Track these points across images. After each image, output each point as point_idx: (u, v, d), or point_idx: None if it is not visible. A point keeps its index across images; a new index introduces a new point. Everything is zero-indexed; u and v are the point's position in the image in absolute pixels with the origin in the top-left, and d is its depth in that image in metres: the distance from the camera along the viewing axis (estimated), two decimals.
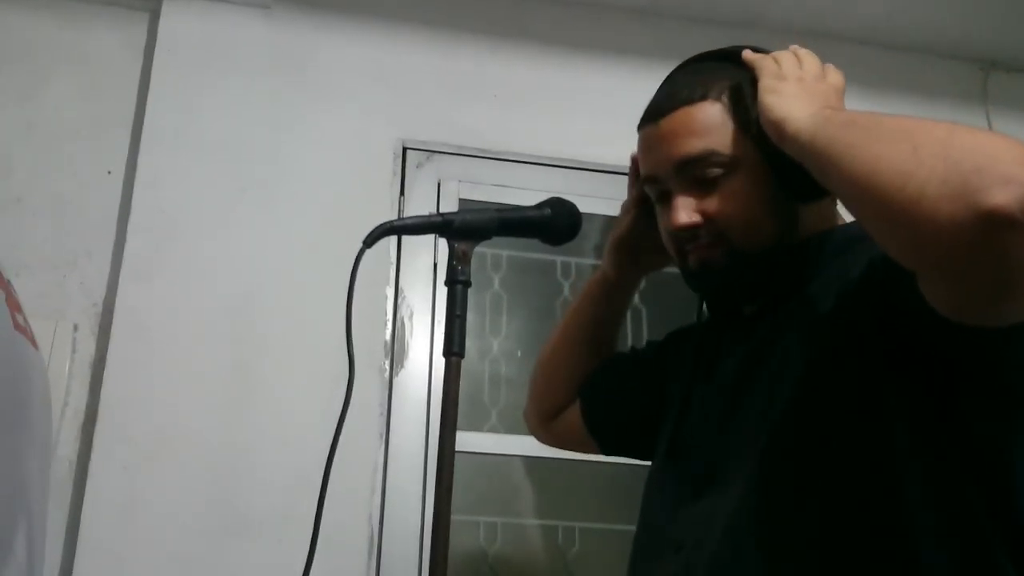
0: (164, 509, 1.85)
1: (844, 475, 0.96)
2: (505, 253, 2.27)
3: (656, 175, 1.15)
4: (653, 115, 1.15)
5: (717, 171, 1.09)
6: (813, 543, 0.97)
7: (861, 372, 0.98)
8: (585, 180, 2.24)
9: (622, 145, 2.22)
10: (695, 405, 1.19)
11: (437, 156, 2.23)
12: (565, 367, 1.43)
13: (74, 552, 1.80)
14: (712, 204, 1.10)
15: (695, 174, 1.10)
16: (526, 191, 2.13)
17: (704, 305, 1.26)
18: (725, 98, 1.11)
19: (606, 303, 1.41)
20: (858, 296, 0.99)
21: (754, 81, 1.10)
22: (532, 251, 2.28)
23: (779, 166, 1.07)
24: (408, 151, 2.23)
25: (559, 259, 2.30)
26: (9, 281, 1.48)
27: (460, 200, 2.19)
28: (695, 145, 1.10)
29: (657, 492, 1.19)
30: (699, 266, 1.13)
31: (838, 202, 1.17)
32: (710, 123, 1.10)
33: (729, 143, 1.09)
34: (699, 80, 1.14)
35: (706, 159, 1.09)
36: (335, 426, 1.01)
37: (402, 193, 2.19)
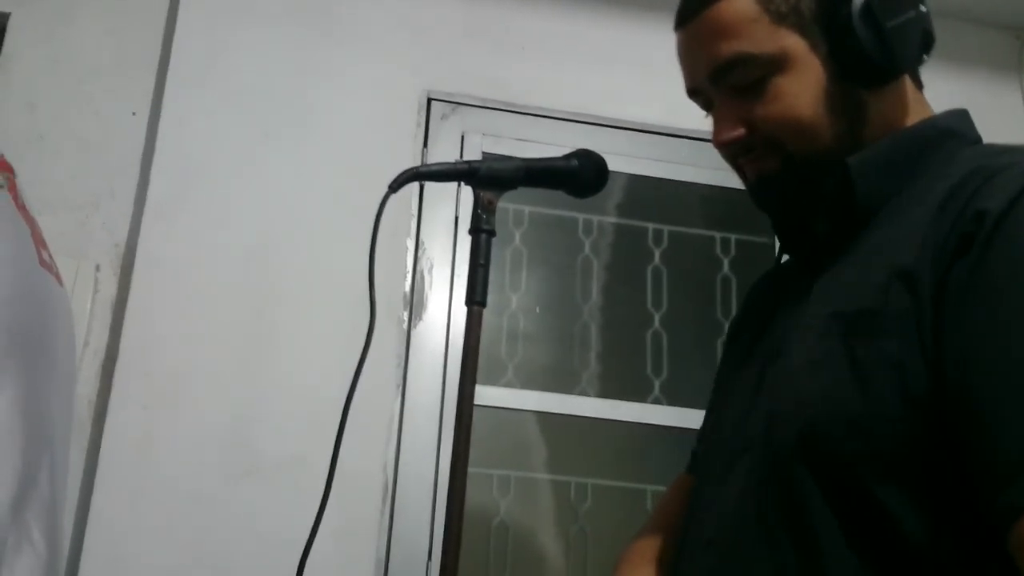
0: (181, 449, 1.87)
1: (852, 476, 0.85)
2: (527, 208, 2.26)
3: (696, 87, 1.03)
4: (682, 18, 1.02)
5: (757, 73, 0.96)
6: (807, 545, 0.87)
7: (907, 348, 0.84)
8: (610, 137, 2.22)
9: (650, 102, 2.23)
10: (754, 353, 1.05)
11: (462, 108, 2.22)
12: None
13: (92, 488, 1.82)
14: (757, 110, 0.97)
15: (732, 81, 0.98)
16: (550, 147, 2.11)
17: (776, 236, 1.10)
18: None
19: None
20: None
21: None
22: (554, 207, 2.27)
23: (834, 53, 0.95)
24: (433, 102, 2.21)
25: (581, 216, 2.28)
26: (34, 219, 1.49)
27: (483, 153, 2.18)
28: (725, 49, 0.97)
29: (703, 471, 1.08)
30: (756, 179, 1.01)
31: (920, 88, 1.05)
32: (740, 20, 0.96)
33: (765, 40, 0.96)
34: None
35: (740, 63, 0.96)
36: (352, 373, 1.01)
37: (425, 145, 2.18)
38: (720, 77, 0.99)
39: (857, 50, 0.94)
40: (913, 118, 1.01)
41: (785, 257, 1.15)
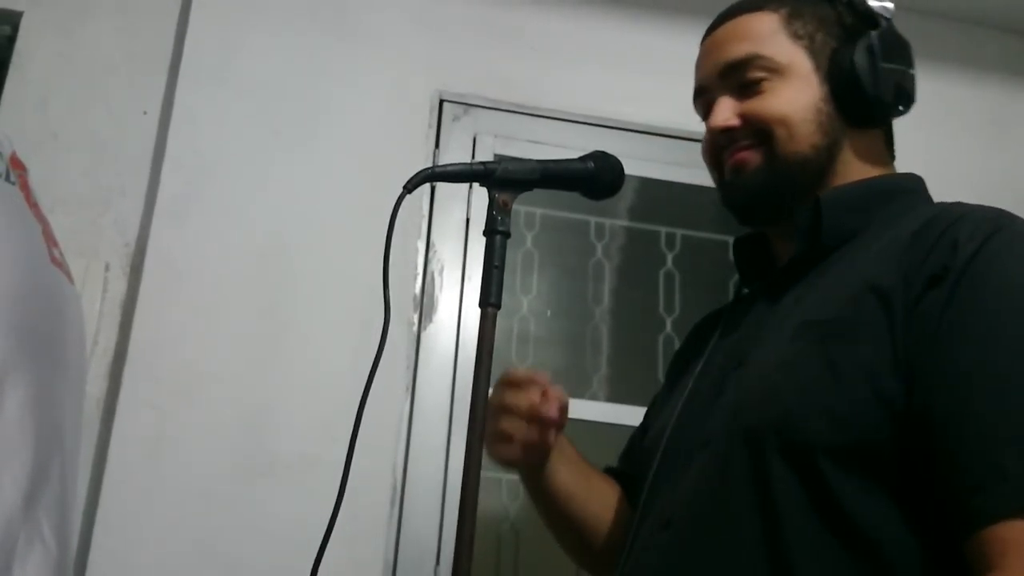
0: (190, 449, 1.87)
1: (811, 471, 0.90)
2: (539, 211, 2.25)
3: (703, 85, 1.13)
4: (710, 28, 1.14)
5: (761, 74, 1.07)
6: (760, 536, 0.91)
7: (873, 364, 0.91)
8: (623, 140, 2.21)
9: (663, 105, 2.21)
10: (712, 362, 1.12)
11: (474, 110, 2.21)
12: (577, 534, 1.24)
13: (100, 487, 1.82)
14: (753, 105, 1.07)
15: (739, 78, 1.09)
16: (562, 149, 2.10)
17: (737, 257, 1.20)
18: (783, 11, 1.10)
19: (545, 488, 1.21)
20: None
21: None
22: (566, 210, 2.26)
23: (834, 82, 1.06)
24: (445, 103, 2.20)
25: (593, 219, 2.28)
26: (45, 217, 1.49)
27: (495, 155, 2.17)
28: (741, 49, 1.09)
29: (665, 457, 1.11)
30: (732, 172, 1.10)
31: (891, 148, 1.14)
32: (761, 30, 1.09)
33: (779, 49, 1.08)
34: None
35: (750, 62, 1.08)
36: (362, 373, 1.00)
37: (437, 146, 2.17)
38: (730, 72, 1.09)
39: (851, 83, 1.06)
40: (879, 170, 1.11)
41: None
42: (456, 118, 2.20)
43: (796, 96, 1.06)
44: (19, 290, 1.27)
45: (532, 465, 1.18)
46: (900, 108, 1.10)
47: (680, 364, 1.26)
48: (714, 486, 0.97)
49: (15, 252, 1.30)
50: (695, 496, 0.99)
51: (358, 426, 1.00)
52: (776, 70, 1.07)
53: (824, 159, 1.07)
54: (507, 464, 1.16)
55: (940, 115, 2.42)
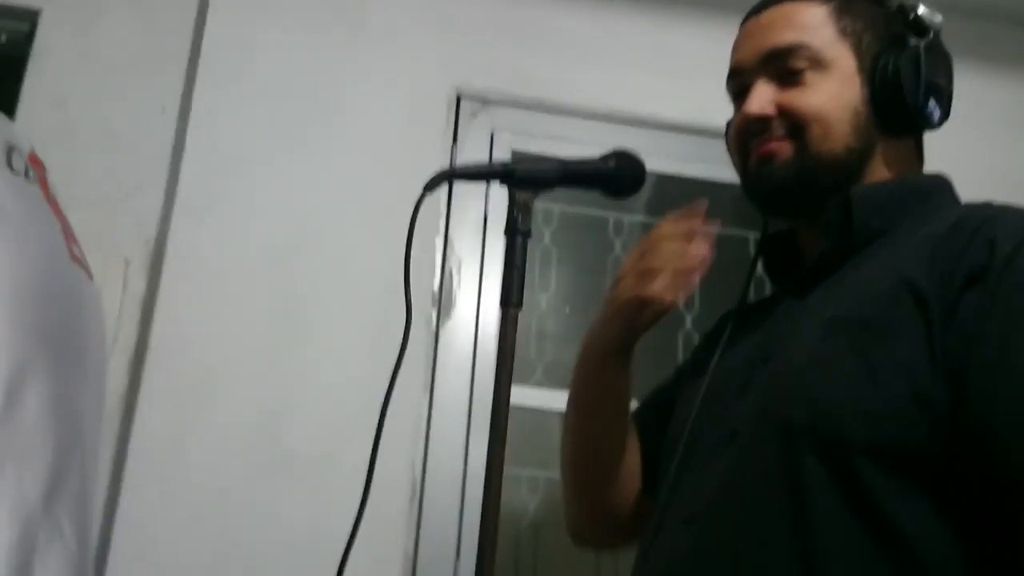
0: (209, 445, 1.87)
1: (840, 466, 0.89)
2: (557, 208, 2.24)
3: (740, 67, 1.11)
4: (755, 10, 1.12)
5: (803, 64, 1.05)
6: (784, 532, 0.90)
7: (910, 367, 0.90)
8: (641, 135, 2.20)
9: (681, 101, 2.20)
10: (735, 356, 1.11)
11: (492, 106, 2.20)
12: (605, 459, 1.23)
13: (120, 484, 1.82)
14: (792, 96, 1.06)
15: (780, 67, 1.07)
16: (580, 145, 2.09)
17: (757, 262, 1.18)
18: (833, 3, 1.08)
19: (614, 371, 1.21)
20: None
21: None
22: (584, 206, 2.26)
23: (875, 87, 1.05)
24: (462, 100, 2.19)
25: (611, 216, 2.27)
26: (64, 214, 1.49)
27: (513, 152, 2.16)
28: (787, 37, 1.07)
29: (686, 450, 1.10)
30: (759, 161, 1.08)
31: (921, 157, 1.14)
32: (809, 20, 1.07)
33: (825, 43, 1.06)
34: None
35: (794, 51, 1.06)
36: (380, 370, 1.00)
37: (455, 142, 2.16)
38: (771, 59, 1.07)
39: (893, 91, 1.04)
40: (909, 173, 1.11)
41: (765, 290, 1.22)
42: (474, 115, 2.19)
43: (836, 93, 1.05)
44: (38, 288, 1.28)
45: (628, 340, 1.16)
46: (935, 123, 1.09)
47: (702, 354, 1.23)
48: (740, 482, 0.96)
49: (34, 250, 1.30)
50: (719, 492, 0.98)
51: (382, 426, 1.00)
52: (820, 63, 1.06)
53: (856, 161, 1.06)
54: (649, 304, 1.11)
55: (955, 111, 2.38)
